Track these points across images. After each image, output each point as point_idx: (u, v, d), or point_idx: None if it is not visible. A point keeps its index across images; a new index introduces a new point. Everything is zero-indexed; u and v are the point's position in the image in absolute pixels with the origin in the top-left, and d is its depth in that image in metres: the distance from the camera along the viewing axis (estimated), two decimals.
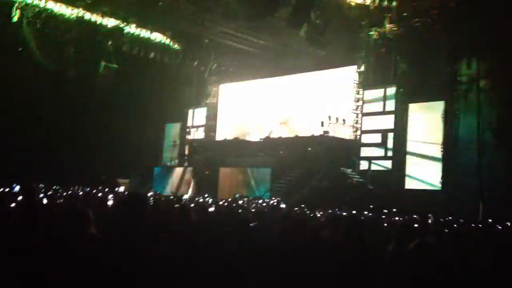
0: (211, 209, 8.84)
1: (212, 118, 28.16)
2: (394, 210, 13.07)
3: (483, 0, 16.91)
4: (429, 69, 18.73)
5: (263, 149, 22.50)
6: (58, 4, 21.67)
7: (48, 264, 4.06)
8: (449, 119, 18.37)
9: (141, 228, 3.89)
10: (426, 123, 19.02)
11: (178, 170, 24.78)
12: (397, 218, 10.70)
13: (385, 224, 8.99)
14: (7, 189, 9.77)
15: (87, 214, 4.49)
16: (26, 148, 20.69)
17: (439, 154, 18.35)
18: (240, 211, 9.17)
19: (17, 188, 8.93)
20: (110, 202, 8.91)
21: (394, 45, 19.74)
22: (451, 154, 18.18)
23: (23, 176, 15.44)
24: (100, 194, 12.70)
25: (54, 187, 13.75)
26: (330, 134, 20.76)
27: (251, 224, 5.68)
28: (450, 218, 11.87)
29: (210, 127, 28.01)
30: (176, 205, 7.75)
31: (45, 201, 7.94)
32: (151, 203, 8.07)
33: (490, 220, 12.04)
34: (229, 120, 27.61)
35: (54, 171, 19.11)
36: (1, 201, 6.00)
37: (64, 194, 11.83)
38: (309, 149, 20.56)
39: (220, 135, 27.59)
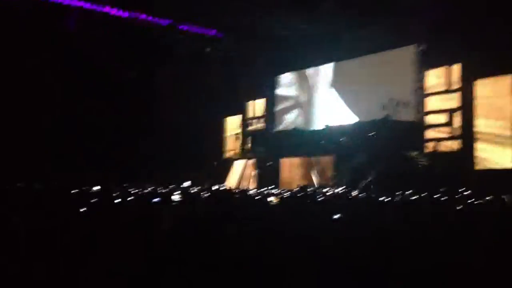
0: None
1: (272, 108, 28.11)
2: (466, 193, 12.54)
3: None
4: (496, 41, 17.72)
5: (325, 138, 22.20)
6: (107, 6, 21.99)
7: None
8: None
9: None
10: (495, 100, 18.11)
11: (240, 163, 24.90)
12: (470, 201, 10.25)
13: (457, 208, 8.68)
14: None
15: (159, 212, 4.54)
16: (92, 144, 21.25)
17: (509, 132, 17.48)
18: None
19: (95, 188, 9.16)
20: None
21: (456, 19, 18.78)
22: None
23: (94, 173, 15.99)
24: (165, 191, 12.91)
25: (123, 185, 13.97)
26: (393, 118, 20.25)
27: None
28: None
29: (271, 118, 27.97)
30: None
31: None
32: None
33: None
34: (289, 110, 27.46)
35: (120, 167, 19.60)
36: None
37: (134, 191, 12.00)
38: (372, 134, 20.11)
39: (280, 125, 27.51)
